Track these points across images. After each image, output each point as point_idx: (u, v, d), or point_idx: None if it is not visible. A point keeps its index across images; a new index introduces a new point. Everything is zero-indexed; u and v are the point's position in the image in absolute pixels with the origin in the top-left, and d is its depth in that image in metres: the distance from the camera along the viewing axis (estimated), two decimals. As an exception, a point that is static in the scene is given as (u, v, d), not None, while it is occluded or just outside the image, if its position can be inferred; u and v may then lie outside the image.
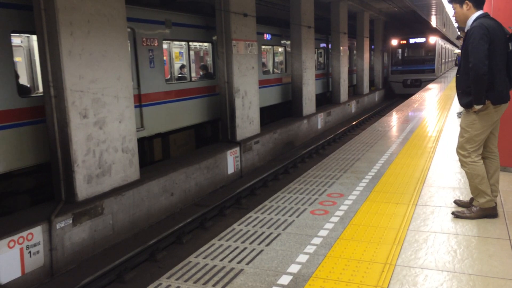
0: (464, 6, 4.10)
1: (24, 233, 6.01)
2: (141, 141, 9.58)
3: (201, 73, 12.54)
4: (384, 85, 29.85)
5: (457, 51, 10.61)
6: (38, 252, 6.20)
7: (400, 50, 29.72)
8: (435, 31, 33.37)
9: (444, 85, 23.08)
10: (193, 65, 12.38)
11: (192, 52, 12.22)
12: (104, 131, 7.48)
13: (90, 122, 7.22)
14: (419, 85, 27.10)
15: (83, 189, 7.11)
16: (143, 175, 8.45)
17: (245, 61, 11.95)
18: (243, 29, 11.81)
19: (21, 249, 5.96)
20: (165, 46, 10.75)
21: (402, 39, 28.92)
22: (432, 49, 28.42)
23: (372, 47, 28.94)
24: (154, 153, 10.23)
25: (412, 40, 28.80)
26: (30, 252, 6.08)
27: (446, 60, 39.28)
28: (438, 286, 3.01)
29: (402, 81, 28.24)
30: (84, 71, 7.06)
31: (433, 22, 31.67)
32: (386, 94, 30.18)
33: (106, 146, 7.53)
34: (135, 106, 9.05)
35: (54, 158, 7.02)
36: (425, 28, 33.14)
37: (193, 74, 12.18)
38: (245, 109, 12.13)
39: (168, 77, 11.16)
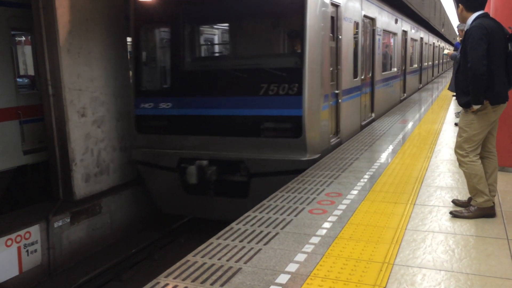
0: (459, 8, 4.15)
1: (22, 232, 6.00)
2: None
3: None
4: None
5: (447, 51, 10.25)
6: (35, 250, 6.19)
7: (158, 32, 7.53)
8: None
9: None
10: None
11: None
12: (102, 130, 7.47)
13: (89, 121, 7.21)
14: (243, 189, 6.66)
15: (81, 188, 7.10)
16: (141, 174, 8.42)
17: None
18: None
19: (19, 248, 5.95)
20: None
21: None
22: (293, 20, 6.72)
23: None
24: None
25: None
26: (27, 251, 6.07)
27: (400, 67, 14.67)
28: (436, 286, 3.01)
29: (177, 166, 6.85)
30: (82, 69, 7.04)
31: None
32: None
33: (104, 145, 7.51)
34: None
35: (52, 157, 7.01)
36: None
37: None
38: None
39: None
